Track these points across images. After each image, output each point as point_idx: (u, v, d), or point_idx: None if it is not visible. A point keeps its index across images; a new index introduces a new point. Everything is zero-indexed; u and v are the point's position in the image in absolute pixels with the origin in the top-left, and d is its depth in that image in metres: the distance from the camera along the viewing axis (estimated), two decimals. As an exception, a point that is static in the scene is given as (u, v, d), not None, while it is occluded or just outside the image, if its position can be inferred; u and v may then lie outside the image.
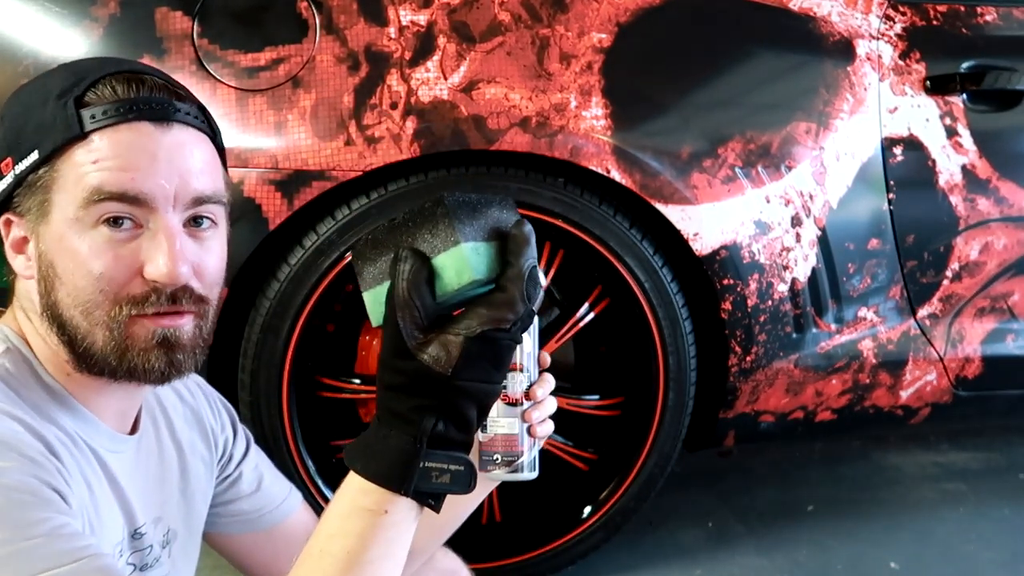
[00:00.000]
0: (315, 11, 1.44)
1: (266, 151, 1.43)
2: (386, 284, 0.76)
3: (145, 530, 0.96)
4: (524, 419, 1.03)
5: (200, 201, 0.86)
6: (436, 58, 1.47)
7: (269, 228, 1.46)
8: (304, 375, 1.63)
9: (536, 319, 1.02)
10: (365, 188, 1.51)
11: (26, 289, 0.89)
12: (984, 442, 2.52)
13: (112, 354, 0.84)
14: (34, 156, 0.84)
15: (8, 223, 0.88)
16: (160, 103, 0.85)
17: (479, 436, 1.04)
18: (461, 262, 0.75)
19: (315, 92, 1.44)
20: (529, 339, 1.03)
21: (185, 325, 0.87)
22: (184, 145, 0.86)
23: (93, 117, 0.83)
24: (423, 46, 1.47)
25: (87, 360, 0.85)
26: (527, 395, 1.04)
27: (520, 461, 1.03)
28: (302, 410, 1.64)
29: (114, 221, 0.83)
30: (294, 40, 1.44)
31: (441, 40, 1.48)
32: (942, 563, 1.93)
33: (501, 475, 1.03)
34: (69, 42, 1.39)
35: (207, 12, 1.42)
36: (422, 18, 1.47)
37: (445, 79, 1.47)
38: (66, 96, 0.84)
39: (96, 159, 0.82)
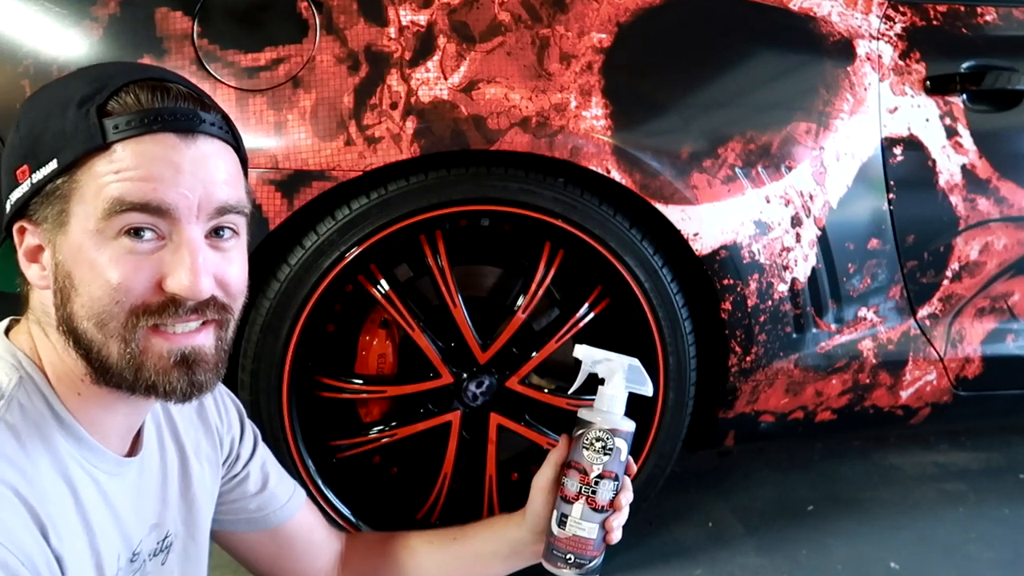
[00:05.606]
0: (315, 11, 1.44)
1: (266, 151, 1.43)
2: None
3: (140, 548, 0.96)
4: (604, 526, 1.05)
5: (223, 211, 0.84)
6: (436, 58, 1.47)
7: (269, 228, 1.46)
8: (304, 375, 1.64)
9: (633, 426, 1.06)
10: (365, 188, 1.51)
11: (41, 301, 0.87)
12: (984, 442, 2.52)
13: (127, 368, 0.83)
14: (52, 165, 0.81)
15: (22, 230, 0.86)
16: (185, 114, 0.83)
17: (555, 530, 1.06)
18: None
19: (315, 92, 1.44)
20: (626, 447, 1.05)
21: (205, 342, 0.85)
22: (208, 157, 0.83)
23: (116, 128, 0.80)
24: (423, 46, 1.47)
25: (104, 373, 0.83)
26: (612, 503, 1.05)
27: (590, 565, 1.05)
28: (302, 410, 1.64)
29: (135, 232, 0.81)
30: (294, 40, 1.44)
31: (441, 40, 1.48)
32: (942, 563, 1.93)
33: (568, 574, 1.05)
34: (69, 42, 1.39)
35: (207, 12, 1.42)
36: (422, 18, 1.47)
37: (445, 79, 1.47)
38: (88, 104, 0.81)
39: (118, 169, 0.80)
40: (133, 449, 0.95)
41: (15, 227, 0.86)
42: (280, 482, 1.19)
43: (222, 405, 1.12)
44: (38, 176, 0.82)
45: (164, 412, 1.04)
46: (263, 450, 1.18)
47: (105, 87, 0.82)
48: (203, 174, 0.83)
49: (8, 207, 0.86)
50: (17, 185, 0.84)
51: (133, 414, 0.93)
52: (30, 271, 0.86)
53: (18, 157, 0.84)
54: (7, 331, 0.91)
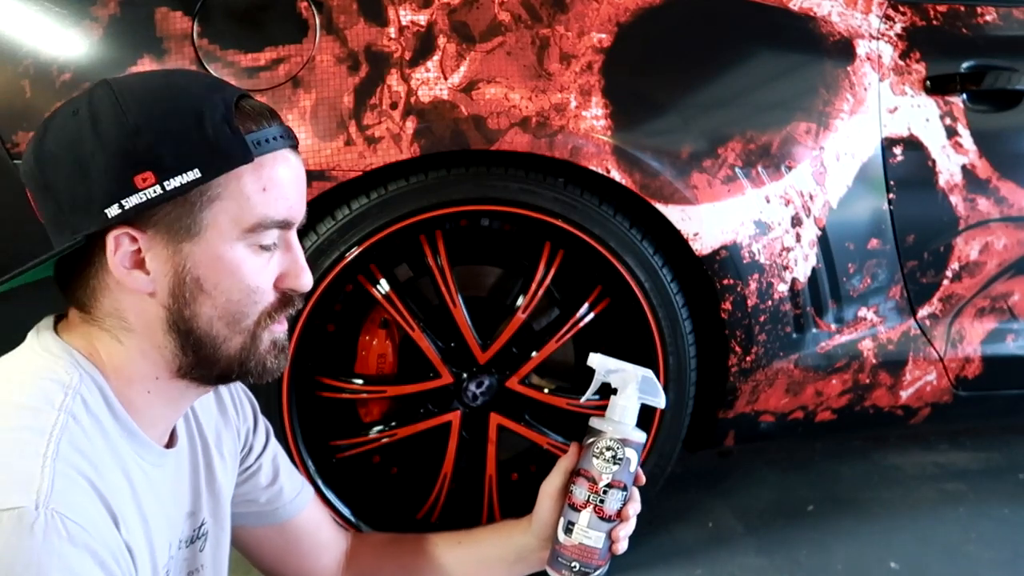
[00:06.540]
0: (315, 11, 1.44)
1: (266, 151, 1.43)
2: None
3: (182, 536, 1.00)
4: (610, 536, 1.05)
5: (302, 222, 0.95)
6: (436, 58, 1.47)
7: (269, 228, 1.46)
8: (304, 375, 1.64)
9: (644, 437, 1.07)
10: (365, 188, 1.51)
11: (116, 307, 0.88)
12: (984, 442, 2.52)
13: (241, 356, 0.92)
14: (194, 175, 0.84)
15: (121, 238, 0.85)
16: (290, 132, 0.92)
17: (561, 537, 1.07)
18: None
19: (315, 92, 1.44)
20: (636, 458, 1.06)
21: (283, 330, 0.96)
22: (302, 172, 0.94)
23: (257, 144, 0.87)
24: (423, 46, 1.47)
25: (208, 365, 0.91)
26: (619, 513, 1.05)
27: (595, 574, 1.06)
28: (302, 410, 1.64)
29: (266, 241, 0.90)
30: (294, 40, 1.44)
31: (441, 40, 1.48)
32: (942, 563, 1.93)
33: None
34: (69, 42, 1.39)
35: (207, 12, 1.42)
36: (422, 18, 1.47)
37: (445, 79, 1.47)
38: (227, 119, 0.86)
39: (265, 187, 0.88)
40: (170, 441, 0.99)
41: (112, 235, 0.85)
42: (290, 477, 1.21)
43: (238, 398, 1.15)
44: (173, 184, 0.83)
45: (190, 408, 1.05)
46: (275, 444, 1.21)
47: (227, 101, 0.87)
48: (303, 188, 0.94)
49: (113, 211, 0.83)
50: (135, 191, 0.83)
51: (177, 410, 0.98)
52: (129, 277, 0.87)
53: (132, 163, 0.83)
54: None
